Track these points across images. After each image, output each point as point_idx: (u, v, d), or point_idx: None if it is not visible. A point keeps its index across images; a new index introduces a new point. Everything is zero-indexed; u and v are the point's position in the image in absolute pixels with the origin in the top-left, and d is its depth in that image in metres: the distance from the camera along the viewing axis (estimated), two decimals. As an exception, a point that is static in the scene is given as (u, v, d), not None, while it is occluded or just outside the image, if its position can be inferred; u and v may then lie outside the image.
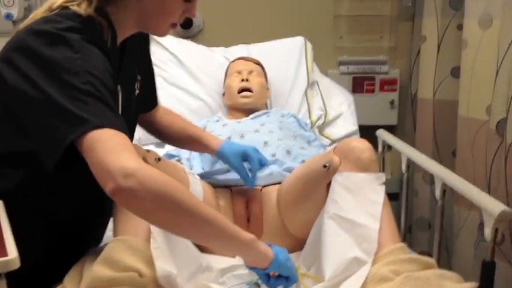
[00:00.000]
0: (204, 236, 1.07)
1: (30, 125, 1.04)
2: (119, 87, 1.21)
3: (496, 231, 1.25)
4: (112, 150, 0.95)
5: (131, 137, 1.39)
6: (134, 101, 1.34)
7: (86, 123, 0.96)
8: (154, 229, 1.16)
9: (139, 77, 1.35)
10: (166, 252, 1.14)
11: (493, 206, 1.27)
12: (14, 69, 1.03)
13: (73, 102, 0.97)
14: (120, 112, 1.21)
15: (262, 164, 1.53)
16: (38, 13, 1.11)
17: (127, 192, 0.94)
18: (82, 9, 1.09)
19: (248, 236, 1.11)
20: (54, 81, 0.99)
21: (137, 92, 1.35)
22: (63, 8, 1.10)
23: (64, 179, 1.10)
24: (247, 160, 1.51)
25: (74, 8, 1.09)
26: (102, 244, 1.30)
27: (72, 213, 1.19)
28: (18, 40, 1.06)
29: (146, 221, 1.07)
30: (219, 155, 1.51)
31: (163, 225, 1.06)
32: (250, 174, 1.51)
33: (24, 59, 1.02)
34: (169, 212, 0.99)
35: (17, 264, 0.86)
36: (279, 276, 1.18)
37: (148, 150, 1.34)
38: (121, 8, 1.14)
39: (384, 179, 1.32)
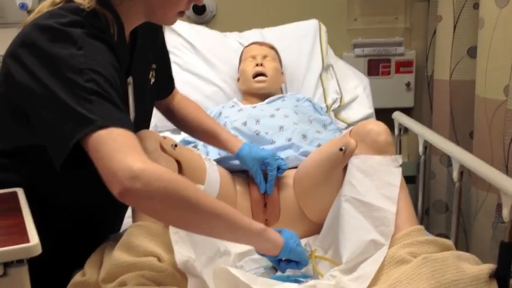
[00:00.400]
0: (215, 230, 1.07)
1: (36, 121, 1.04)
2: (130, 79, 1.20)
3: (514, 212, 1.24)
4: (117, 151, 0.94)
5: (147, 125, 1.39)
6: (149, 91, 1.34)
7: (91, 123, 0.95)
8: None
9: (154, 66, 1.35)
10: (184, 237, 1.15)
11: (511, 187, 1.26)
12: (20, 65, 1.03)
13: (78, 101, 0.96)
14: (132, 104, 1.20)
15: (282, 169, 1.52)
16: (44, 6, 1.11)
17: (134, 194, 0.93)
18: (86, 1, 1.07)
19: (258, 226, 1.11)
20: (59, 79, 0.98)
21: (152, 80, 1.35)
22: (67, 1, 1.09)
23: (74, 176, 1.07)
24: (265, 165, 1.51)
25: (78, 0, 1.08)
26: (121, 230, 1.32)
27: (89, 208, 1.19)
28: (24, 35, 1.05)
29: (157, 220, 1.06)
30: (238, 157, 1.51)
31: (173, 223, 1.07)
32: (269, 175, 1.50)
33: (29, 55, 1.02)
34: (178, 210, 0.99)
35: (38, 251, 0.86)
36: (290, 260, 1.19)
37: (164, 137, 1.34)
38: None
39: (400, 162, 1.31)
